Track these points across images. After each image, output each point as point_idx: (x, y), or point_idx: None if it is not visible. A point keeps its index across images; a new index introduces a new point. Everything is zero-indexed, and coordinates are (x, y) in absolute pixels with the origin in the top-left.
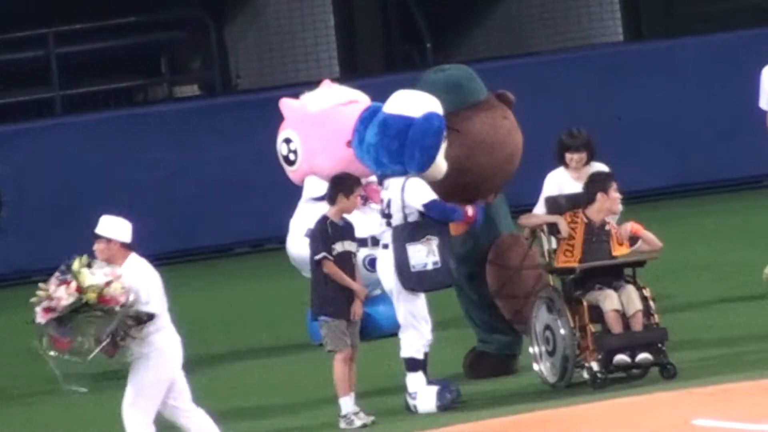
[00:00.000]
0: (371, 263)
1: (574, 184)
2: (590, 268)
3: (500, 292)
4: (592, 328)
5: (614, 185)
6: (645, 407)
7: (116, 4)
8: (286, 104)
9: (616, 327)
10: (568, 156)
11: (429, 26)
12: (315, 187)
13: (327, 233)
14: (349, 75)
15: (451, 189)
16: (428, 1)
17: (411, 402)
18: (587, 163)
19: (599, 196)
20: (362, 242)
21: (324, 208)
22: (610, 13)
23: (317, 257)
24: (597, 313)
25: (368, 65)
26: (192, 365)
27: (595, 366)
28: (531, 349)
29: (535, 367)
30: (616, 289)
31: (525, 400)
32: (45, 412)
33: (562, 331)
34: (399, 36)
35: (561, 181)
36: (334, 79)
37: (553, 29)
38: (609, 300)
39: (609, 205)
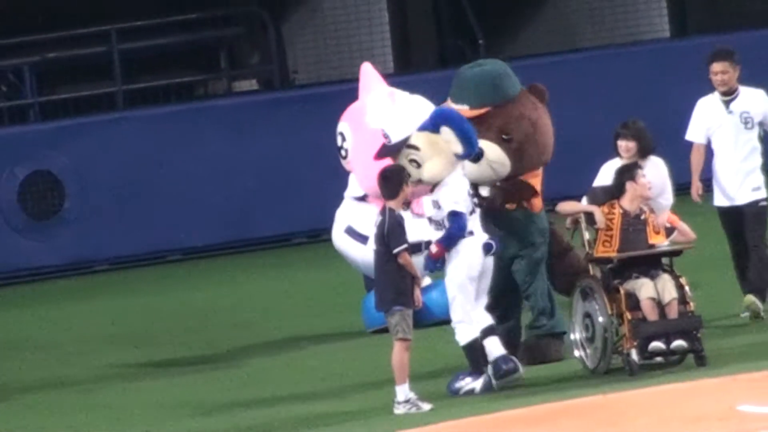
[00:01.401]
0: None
1: None
2: (628, 258)
3: (555, 267)
4: (629, 316)
5: (640, 172)
6: (690, 394)
7: (177, 2)
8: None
9: (651, 315)
10: (619, 144)
11: (480, 22)
12: (356, 186)
13: (403, 225)
14: (402, 70)
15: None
16: None
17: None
18: (643, 156)
19: (628, 185)
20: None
21: (361, 207)
22: (656, 9)
23: (398, 249)
24: (634, 302)
25: (421, 61)
26: (248, 351)
27: (632, 353)
28: (572, 336)
29: (576, 353)
30: (652, 278)
31: (570, 387)
32: (105, 396)
33: (600, 319)
34: (451, 32)
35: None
36: (388, 75)
37: (600, 26)
38: (645, 288)
39: (640, 191)
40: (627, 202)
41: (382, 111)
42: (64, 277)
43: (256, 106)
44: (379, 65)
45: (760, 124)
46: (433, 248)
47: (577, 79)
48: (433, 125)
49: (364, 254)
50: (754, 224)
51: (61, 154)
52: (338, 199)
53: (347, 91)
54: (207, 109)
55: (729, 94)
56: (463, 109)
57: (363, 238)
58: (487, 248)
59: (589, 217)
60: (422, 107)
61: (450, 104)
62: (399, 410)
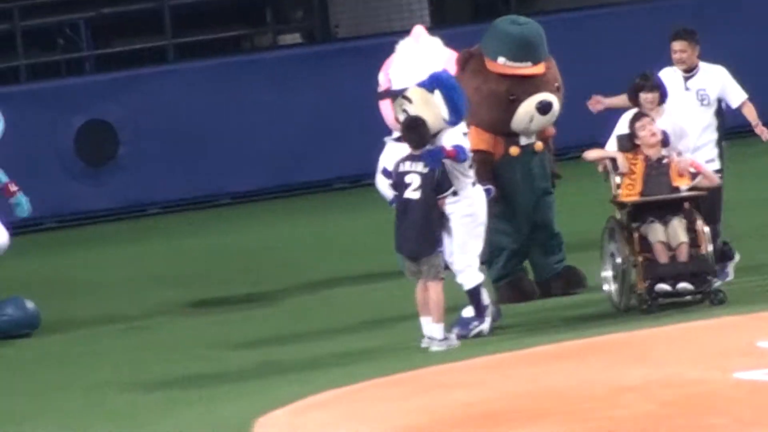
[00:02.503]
0: None
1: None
2: (643, 202)
3: None
4: (640, 258)
5: (639, 124)
6: (712, 330)
7: None
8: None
9: (661, 257)
10: (642, 96)
11: None
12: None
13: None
14: (438, 24)
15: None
16: None
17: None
18: (660, 103)
19: (639, 135)
20: None
21: (397, 148)
22: None
23: (445, 194)
24: (647, 244)
25: (456, 15)
26: (291, 290)
27: (643, 293)
28: (602, 273)
29: (605, 288)
30: (665, 223)
31: (596, 324)
32: (153, 333)
33: (618, 260)
34: None
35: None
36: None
37: None
38: (654, 232)
39: (645, 141)
40: (645, 149)
41: (404, 50)
42: (118, 221)
43: (299, 58)
44: (416, 20)
45: (719, 100)
46: (449, 146)
47: (605, 33)
48: (429, 85)
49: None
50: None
51: (115, 103)
52: (378, 145)
53: (385, 44)
54: (253, 62)
55: (688, 72)
56: (527, 66)
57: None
58: (487, 193)
59: (614, 162)
60: (436, 58)
61: (501, 61)
62: (436, 347)
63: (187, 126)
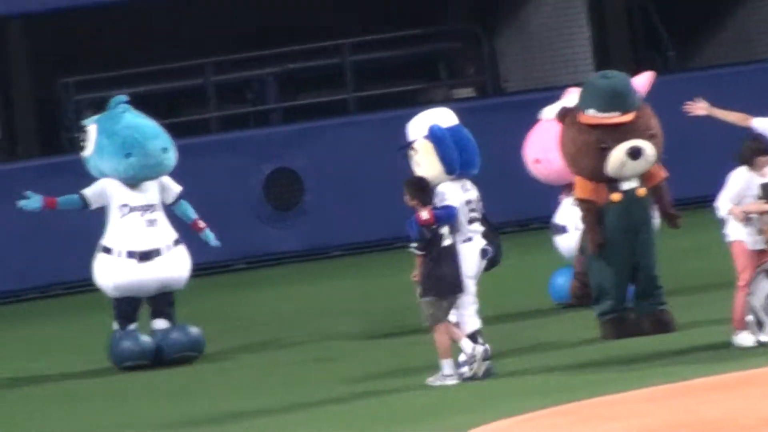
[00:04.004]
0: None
1: (760, 180)
2: None
3: None
4: None
5: None
6: None
7: (401, 18)
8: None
9: None
10: (761, 159)
11: (670, 35)
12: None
13: None
14: None
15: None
16: (670, 14)
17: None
18: None
19: None
20: None
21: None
22: None
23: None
24: None
25: (619, 69)
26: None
27: None
28: (748, 318)
29: (748, 336)
30: None
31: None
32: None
33: None
34: (644, 44)
35: (748, 179)
36: None
37: None
38: None
39: None
40: None
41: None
42: (304, 261)
43: (472, 111)
44: (580, 75)
45: None
46: (425, 214)
47: (758, 89)
48: (429, 137)
49: (558, 242)
50: None
51: (300, 152)
52: (546, 190)
53: (552, 98)
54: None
55: None
56: (614, 116)
57: (558, 228)
58: (483, 253)
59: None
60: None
61: (591, 113)
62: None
63: (366, 173)
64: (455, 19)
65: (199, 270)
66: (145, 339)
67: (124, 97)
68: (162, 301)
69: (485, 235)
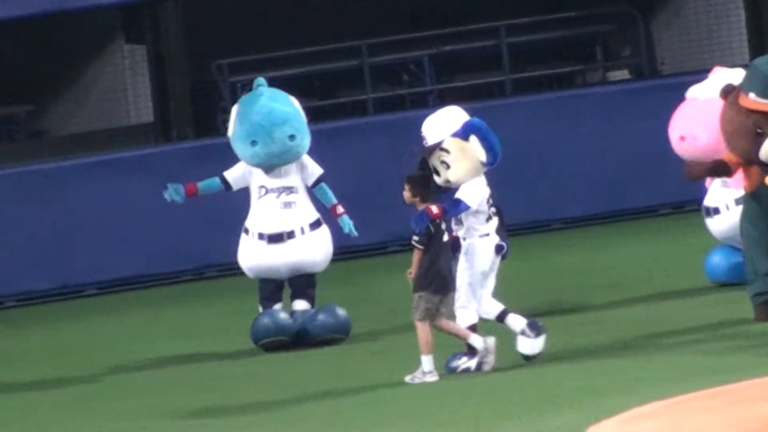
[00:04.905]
0: None
1: None
2: None
3: None
4: None
5: None
6: None
7: (557, 1)
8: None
9: None
10: None
11: None
12: None
13: None
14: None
15: None
16: None
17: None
18: None
19: None
20: None
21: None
22: None
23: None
24: None
25: None
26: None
27: None
28: None
29: None
30: None
31: None
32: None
33: None
34: None
35: None
36: (744, 66)
37: None
38: None
39: None
40: None
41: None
42: None
43: (627, 93)
44: (736, 57)
45: None
46: (435, 209)
47: None
48: (463, 134)
49: (710, 225)
50: None
51: None
52: None
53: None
54: (584, 96)
55: None
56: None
57: (709, 211)
58: (498, 249)
59: None
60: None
61: (752, 96)
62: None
63: (523, 155)
64: (612, 2)
65: (352, 252)
66: (284, 317)
67: (262, 80)
68: (300, 282)
69: (498, 231)
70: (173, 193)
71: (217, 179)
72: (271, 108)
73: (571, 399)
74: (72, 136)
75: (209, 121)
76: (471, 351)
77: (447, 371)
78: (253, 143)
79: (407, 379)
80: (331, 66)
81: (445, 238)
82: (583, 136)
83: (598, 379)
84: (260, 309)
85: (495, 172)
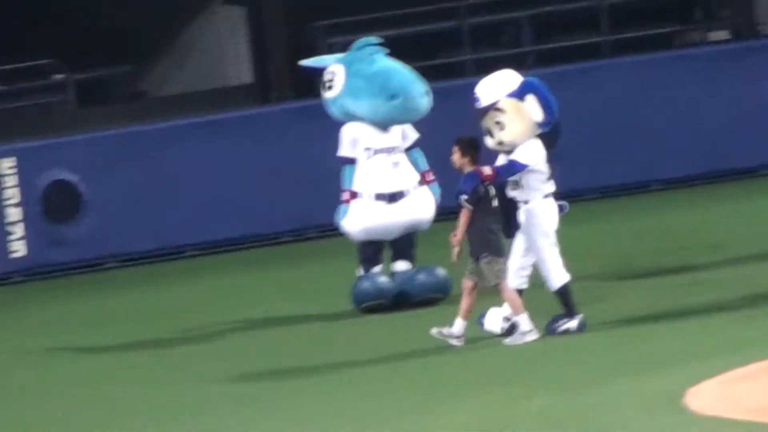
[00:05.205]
0: None
1: None
2: None
3: None
4: None
5: None
6: None
7: None
8: None
9: None
10: None
11: None
12: None
13: None
14: None
15: None
16: None
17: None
18: None
19: None
20: None
21: None
22: None
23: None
24: None
25: None
26: (715, 265)
27: None
28: None
29: None
30: None
31: None
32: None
33: None
34: None
35: None
36: None
37: None
38: None
39: None
40: None
41: None
42: None
43: (726, 53)
44: None
45: None
46: (488, 170)
47: None
48: (520, 93)
49: None
50: None
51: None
52: None
53: None
54: (682, 57)
55: None
56: None
57: None
58: (560, 209)
59: None
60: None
61: None
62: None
63: (620, 116)
64: None
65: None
66: (384, 280)
67: (374, 39)
68: (405, 242)
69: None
70: (342, 214)
71: (346, 168)
72: (398, 66)
73: (673, 360)
74: (171, 98)
75: (308, 82)
76: (570, 311)
77: (547, 333)
78: (393, 97)
79: (507, 341)
80: (430, 27)
81: (495, 203)
82: (682, 97)
83: (700, 339)
84: (361, 271)
85: (593, 134)
